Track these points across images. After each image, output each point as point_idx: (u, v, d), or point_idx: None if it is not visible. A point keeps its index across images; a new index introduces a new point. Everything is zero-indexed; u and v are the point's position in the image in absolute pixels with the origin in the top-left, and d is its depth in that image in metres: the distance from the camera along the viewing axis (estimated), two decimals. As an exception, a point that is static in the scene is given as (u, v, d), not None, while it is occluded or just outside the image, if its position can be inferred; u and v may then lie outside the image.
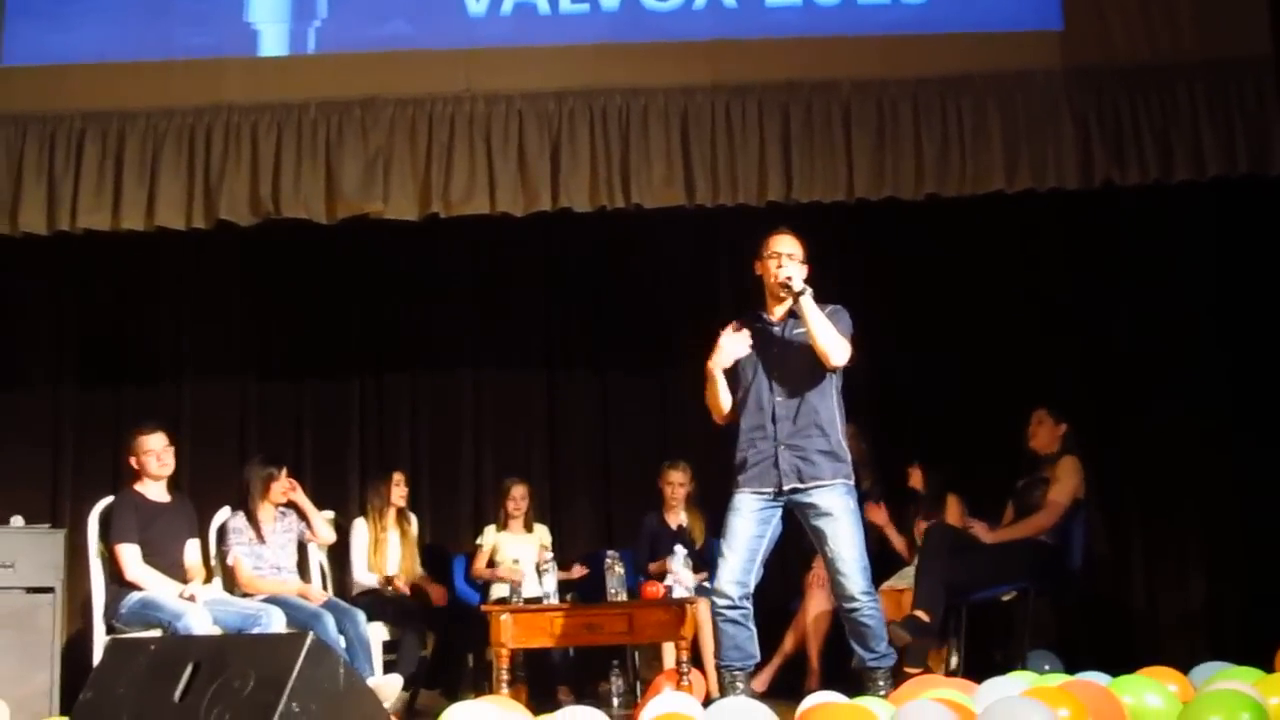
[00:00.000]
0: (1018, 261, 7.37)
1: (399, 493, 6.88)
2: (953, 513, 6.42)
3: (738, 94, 6.39)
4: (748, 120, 6.37)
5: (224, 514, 6.42)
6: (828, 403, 4.88)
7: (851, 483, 4.87)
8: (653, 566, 6.63)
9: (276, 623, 5.71)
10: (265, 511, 6.34)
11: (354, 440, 7.63)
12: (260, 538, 6.28)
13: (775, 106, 6.37)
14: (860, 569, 4.73)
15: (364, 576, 6.71)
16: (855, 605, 4.72)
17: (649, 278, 7.63)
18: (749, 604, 4.81)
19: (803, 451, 4.79)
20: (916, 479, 6.59)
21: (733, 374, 4.97)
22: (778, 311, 4.98)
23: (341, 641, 5.91)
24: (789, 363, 4.88)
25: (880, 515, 6.63)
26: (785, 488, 4.79)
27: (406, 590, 6.66)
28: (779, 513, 4.85)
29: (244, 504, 6.36)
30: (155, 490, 6.05)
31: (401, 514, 6.91)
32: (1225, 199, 6.76)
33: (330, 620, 5.91)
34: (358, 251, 7.40)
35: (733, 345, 4.89)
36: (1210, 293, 7.20)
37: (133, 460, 6.06)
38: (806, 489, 4.77)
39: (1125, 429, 7.21)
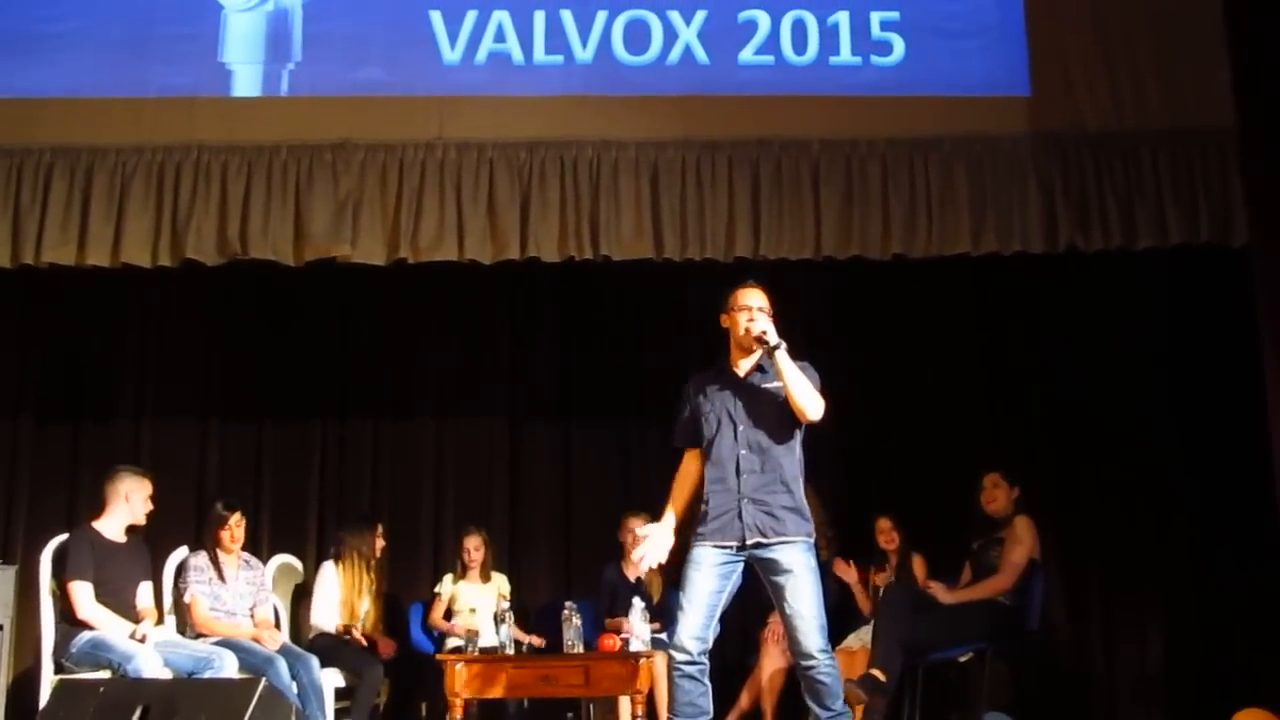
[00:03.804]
0: (982, 324, 7.43)
1: (381, 544, 6.85)
2: (914, 572, 6.43)
3: (708, 149, 6.44)
4: (717, 175, 6.41)
5: (183, 552, 6.37)
6: (792, 458, 4.87)
7: (813, 540, 4.86)
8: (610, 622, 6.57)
9: (229, 667, 5.65)
10: (225, 555, 6.29)
11: (314, 485, 7.55)
12: (221, 578, 6.23)
13: (745, 163, 6.42)
14: (819, 627, 4.70)
15: (324, 621, 6.63)
16: (813, 663, 4.69)
17: (614, 329, 7.64)
18: (707, 660, 4.77)
19: (768, 506, 4.77)
20: (887, 538, 6.59)
21: (697, 424, 4.96)
22: (744, 364, 4.96)
23: (294, 687, 5.85)
24: (756, 416, 4.86)
25: (850, 574, 6.62)
26: (749, 542, 4.75)
27: (363, 641, 6.59)
28: (740, 567, 4.83)
29: (205, 544, 6.32)
30: (113, 530, 5.99)
31: (376, 563, 6.87)
32: (1184, 267, 6.85)
33: (283, 665, 5.86)
34: (324, 295, 7.39)
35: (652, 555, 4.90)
36: (1170, 360, 7.26)
37: (121, 494, 5.98)
38: (770, 544, 4.75)
39: (1085, 493, 7.25)
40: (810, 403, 4.79)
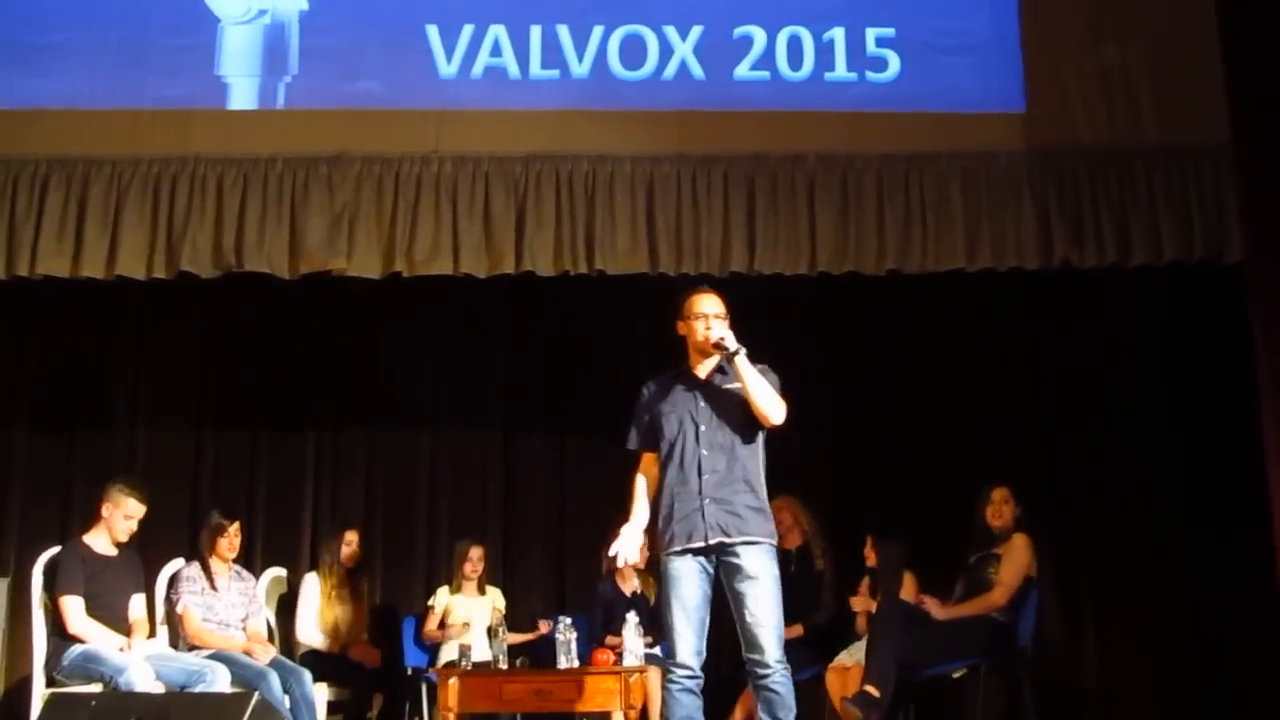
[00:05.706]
0: (975, 339, 7.42)
1: (347, 552, 6.81)
2: (907, 588, 6.41)
3: (704, 164, 6.45)
4: (713, 190, 6.43)
5: (177, 563, 6.35)
6: (755, 460, 4.84)
7: (775, 542, 4.83)
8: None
9: (221, 680, 5.63)
10: (218, 565, 6.27)
11: (307, 494, 7.53)
12: (213, 587, 6.21)
13: (740, 177, 6.43)
14: (778, 636, 4.67)
15: (309, 637, 6.62)
16: (769, 671, 4.64)
17: (608, 342, 7.63)
18: (701, 671, 4.78)
19: (730, 505, 4.73)
20: (870, 554, 6.58)
21: (657, 426, 4.93)
22: (704, 368, 4.95)
23: (286, 701, 5.84)
24: (717, 417, 4.83)
25: (862, 604, 6.56)
26: (712, 541, 4.70)
27: (354, 654, 6.57)
28: (712, 572, 4.81)
29: (198, 555, 6.29)
30: (103, 543, 5.97)
31: (353, 573, 6.84)
32: (1180, 283, 6.85)
33: (275, 679, 5.84)
34: (319, 307, 7.38)
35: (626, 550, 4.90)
36: (1164, 377, 7.26)
37: (106, 508, 5.95)
38: (734, 545, 4.71)
39: (1078, 509, 7.24)
40: (772, 407, 4.79)
